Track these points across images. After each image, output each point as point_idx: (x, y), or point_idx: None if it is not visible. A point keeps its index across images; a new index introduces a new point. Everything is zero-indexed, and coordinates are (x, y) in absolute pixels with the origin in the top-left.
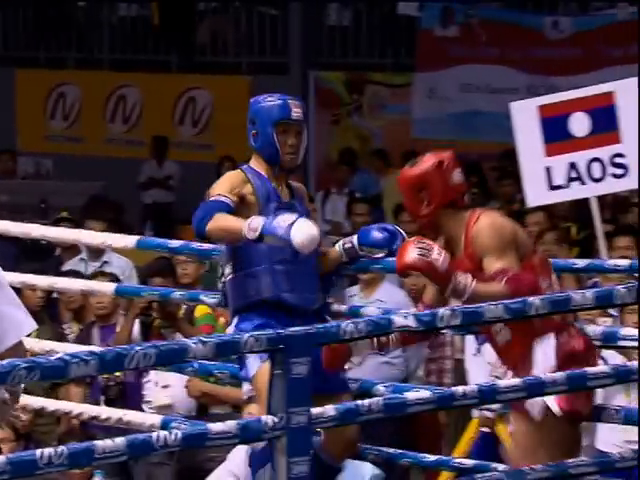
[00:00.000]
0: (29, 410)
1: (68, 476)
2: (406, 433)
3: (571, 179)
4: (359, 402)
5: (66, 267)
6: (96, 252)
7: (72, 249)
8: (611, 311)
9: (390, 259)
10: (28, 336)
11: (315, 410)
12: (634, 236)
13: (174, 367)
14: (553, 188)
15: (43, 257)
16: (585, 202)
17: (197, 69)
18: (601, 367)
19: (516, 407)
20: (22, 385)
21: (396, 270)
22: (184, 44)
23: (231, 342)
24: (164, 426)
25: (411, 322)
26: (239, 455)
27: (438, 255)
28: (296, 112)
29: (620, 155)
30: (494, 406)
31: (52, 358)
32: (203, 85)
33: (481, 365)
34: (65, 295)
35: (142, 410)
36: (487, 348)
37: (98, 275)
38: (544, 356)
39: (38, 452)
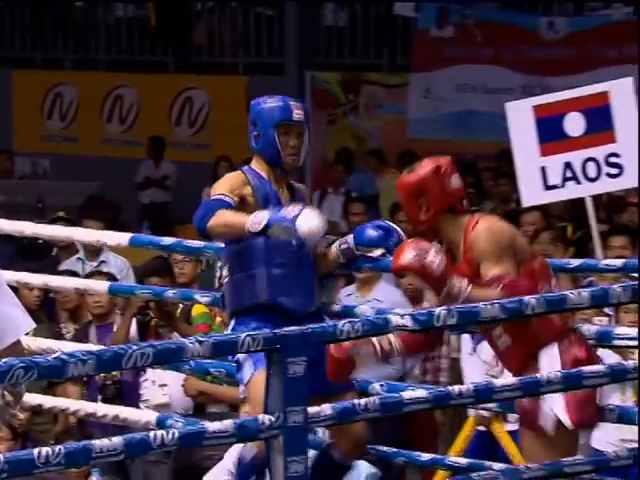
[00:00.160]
0: (26, 409)
1: (65, 475)
2: (402, 432)
3: (566, 179)
4: (355, 401)
5: (63, 267)
6: (93, 252)
7: (69, 249)
8: (607, 310)
9: (385, 258)
10: (26, 335)
11: (312, 409)
12: (629, 236)
13: (171, 365)
14: (548, 188)
15: (40, 257)
16: (581, 202)
17: (194, 69)
18: (597, 366)
19: (528, 425)
20: (24, 386)
21: (392, 270)
22: (181, 44)
23: (228, 342)
24: (160, 423)
25: (408, 322)
26: (236, 454)
27: (434, 258)
28: (297, 113)
29: (615, 155)
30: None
31: (50, 358)
32: (200, 85)
33: (477, 364)
34: (61, 295)
35: (138, 406)
36: (483, 347)
37: (95, 274)
38: (549, 368)
39: (36, 451)
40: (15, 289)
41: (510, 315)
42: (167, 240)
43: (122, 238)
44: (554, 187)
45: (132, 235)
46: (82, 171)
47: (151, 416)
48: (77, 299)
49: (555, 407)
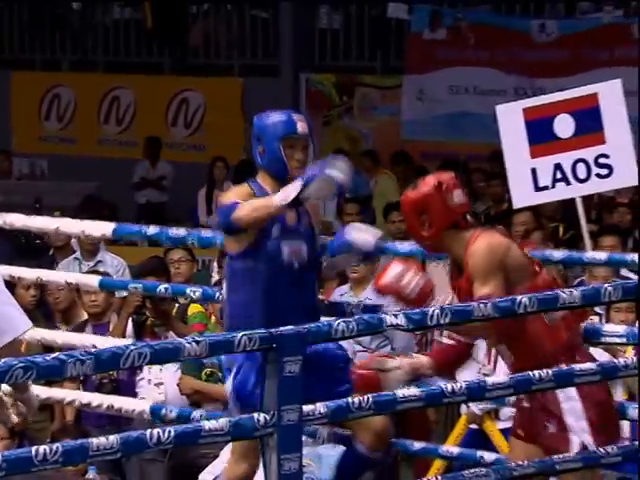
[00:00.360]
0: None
1: (62, 473)
2: (396, 430)
3: (556, 180)
4: (349, 399)
5: (60, 267)
6: (90, 252)
7: (66, 249)
8: (597, 309)
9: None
10: None
11: (306, 407)
12: (619, 235)
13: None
14: (539, 189)
15: (37, 256)
16: (572, 202)
17: (190, 71)
18: (587, 364)
19: (554, 448)
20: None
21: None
22: (177, 46)
23: (224, 341)
24: (154, 412)
25: (402, 321)
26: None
27: (409, 281)
28: (301, 126)
29: (604, 155)
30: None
31: (48, 357)
32: (195, 87)
33: (469, 363)
34: (52, 296)
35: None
36: (476, 346)
37: (91, 274)
38: (577, 423)
39: (33, 449)
40: (12, 289)
41: (502, 314)
42: (151, 229)
43: (105, 228)
44: (545, 188)
45: (116, 225)
46: (79, 171)
47: (145, 405)
48: (69, 300)
49: (583, 435)
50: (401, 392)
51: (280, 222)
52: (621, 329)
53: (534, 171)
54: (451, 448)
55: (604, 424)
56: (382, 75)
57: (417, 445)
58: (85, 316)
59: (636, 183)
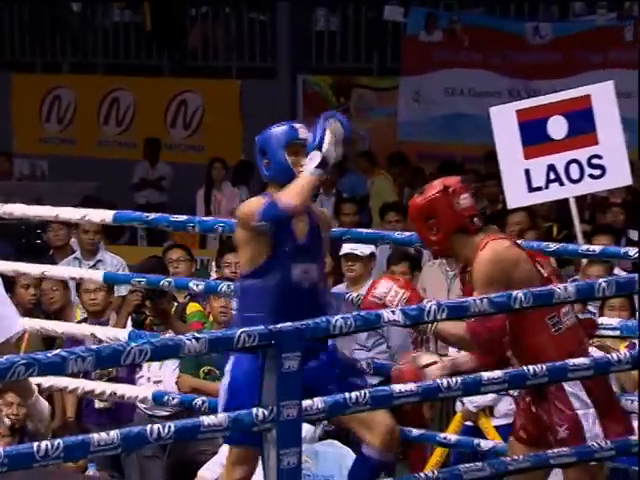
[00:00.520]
0: (23, 405)
1: (63, 469)
2: None
3: (550, 180)
4: (346, 395)
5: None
6: (90, 251)
7: (65, 249)
8: (590, 308)
9: None
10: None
11: (305, 403)
12: (612, 235)
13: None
14: (532, 190)
15: (37, 256)
16: (566, 202)
17: (188, 73)
18: (581, 359)
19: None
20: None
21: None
22: (176, 49)
23: (224, 338)
24: (156, 399)
25: (399, 317)
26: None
27: (392, 298)
28: (303, 132)
29: (597, 156)
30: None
31: (50, 354)
32: (194, 88)
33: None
34: (47, 296)
35: (134, 405)
36: None
37: None
38: (591, 432)
39: (35, 445)
40: (11, 288)
41: (498, 309)
42: (151, 215)
43: (106, 215)
44: (538, 189)
45: (116, 212)
46: (79, 172)
47: (148, 392)
48: (62, 300)
49: (596, 440)
50: (397, 387)
51: (291, 240)
52: (615, 322)
53: (528, 172)
54: (448, 435)
55: (617, 432)
56: (378, 77)
57: (415, 432)
58: (78, 317)
59: (629, 183)
